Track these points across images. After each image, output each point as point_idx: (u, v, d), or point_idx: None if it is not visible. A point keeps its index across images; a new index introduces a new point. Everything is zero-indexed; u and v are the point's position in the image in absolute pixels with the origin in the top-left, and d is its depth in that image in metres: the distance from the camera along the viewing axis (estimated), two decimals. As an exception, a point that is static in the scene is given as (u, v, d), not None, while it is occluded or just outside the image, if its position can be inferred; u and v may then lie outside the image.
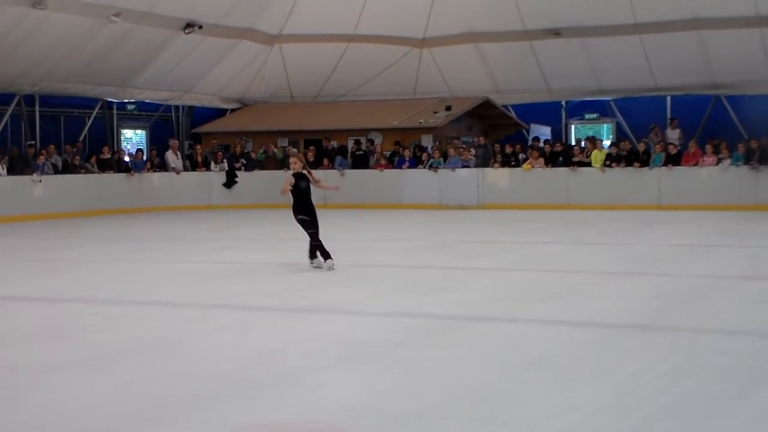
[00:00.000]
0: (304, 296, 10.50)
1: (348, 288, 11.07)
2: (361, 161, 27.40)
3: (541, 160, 25.76)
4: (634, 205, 24.20)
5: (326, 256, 12.74)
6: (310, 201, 13.11)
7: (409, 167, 26.61)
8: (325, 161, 27.41)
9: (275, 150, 28.29)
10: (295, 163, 13.14)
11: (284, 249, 15.92)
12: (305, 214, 12.97)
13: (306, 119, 29.68)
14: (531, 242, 16.48)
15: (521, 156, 26.40)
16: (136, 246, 16.83)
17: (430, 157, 26.72)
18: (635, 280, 11.66)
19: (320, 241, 12.82)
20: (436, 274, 12.28)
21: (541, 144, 27.31)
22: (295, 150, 27.86)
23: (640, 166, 24.74)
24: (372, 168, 27.12)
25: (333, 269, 12.55)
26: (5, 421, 5.80)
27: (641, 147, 25.35)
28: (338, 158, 27.41)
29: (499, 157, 26.35)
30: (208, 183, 27.57)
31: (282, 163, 27.79)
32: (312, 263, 12.94)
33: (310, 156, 27.56)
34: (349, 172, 27.04)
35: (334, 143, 28.35)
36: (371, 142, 28.02)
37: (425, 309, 9.45)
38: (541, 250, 15.23)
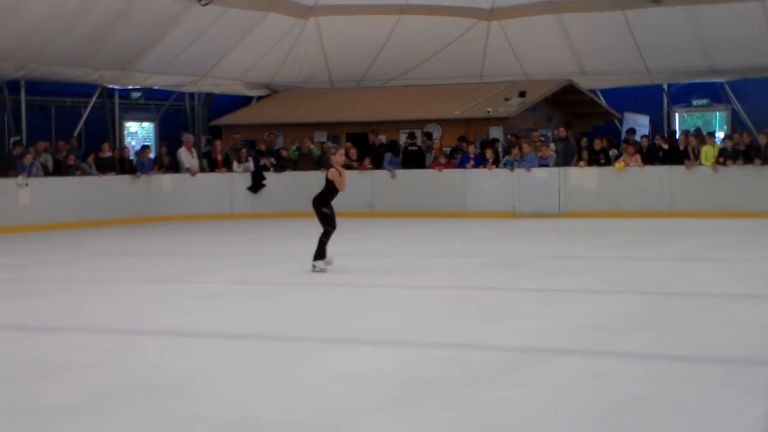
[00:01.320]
0: (345, 324, 10.48)
1: (398, 314, 11.04)
2: (415, 159, 27.38)
3: (638, 156, 25.59)
4: (754, 212, 23.93)
5: (322, 255, 14.77)
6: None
7: (474, 166, 26.55)
8: (367, 160, 27.30)
9: (311, 146, 28.39)
10: (341, 155, 15.48)
11: (339, 269, 15.93)
12: (329, 208, 15.10)
13: (348, 108, 29.75)
14: (625, 258, 16.34)
15: (612, 152, 26.23)
16: (141, 263, 16.94)
17: (498, 153, 26.62)
18: (758, 304, 11.51)
19: (325, 242, 14.92)
20: (507, 297, 12.22)
21: (638, 137, 27.11)
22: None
23: (761, 164, 24.47)
24: (429, 167, 27.09)
25: (323, 271, 14.61)
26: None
27: (762, 140, 25.07)
28: (388, 156, 27.43)
29: (585, 154, 26.22)
30: (229, 186, 27.73)
31: (319, 163, 27.87)
32: (315, 266, 14.76)
33: (353, 153, 27.59)
34: (400, 172, 27.05)
35: (383, 138, 28.38)
36: (428, 135, 28.00)
37: (493, 340, 9.39)
38: (637, 267, 15.09)
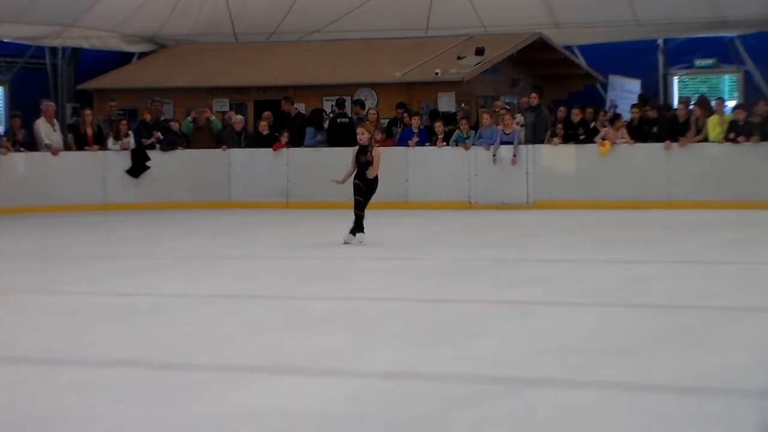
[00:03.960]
0: (256, 347, 10.47)
1: (324, 334, 11.05)
2: (343, 134, 27.20)
3: (623, 131, 25.73)
4: (772, 202, 24.19)
5: (358, 229, 18.51)
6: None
7: (419, 144, 26.57)
8: (284, 136, 27.12)
9: (211, 117, 28.22)
10: (362, 134, 18.99)
11: (223, 272, 15.94)
12: (361, 180, 18.61)
13: (257, 69, 29.65)
14: (609, 261, 16.48)
15: (594, 125, 26.34)
16: (-10, 269, 16.82)
17: (449, 127, 26.64)
18: (774, 320, 11.67)
19: (362, 212, 18.52)
20: (461, 312, 12.28)
21: (626, 107, 27.29)
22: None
23: (782, 140, 24.72)
24: (361, 145, 27.05)
25: (360, 243, 18.35)
26: None
27: (783, 111, 25.30)
28: (309, 131, 27.30)
29: (560, 128, 26.32)
30: (103, 169, 27.52)
31: (220, 138, 27.71)
32: (345, 239, 18.55)
33: (264, 127, 27.47)
34: (326, 150, 26.93)
35: (301, 107, 28.29)
36: (360, 104, 27.95)
37: (443, 366, 9.44)
38: (624, 273, 15.23)
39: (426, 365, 9.53)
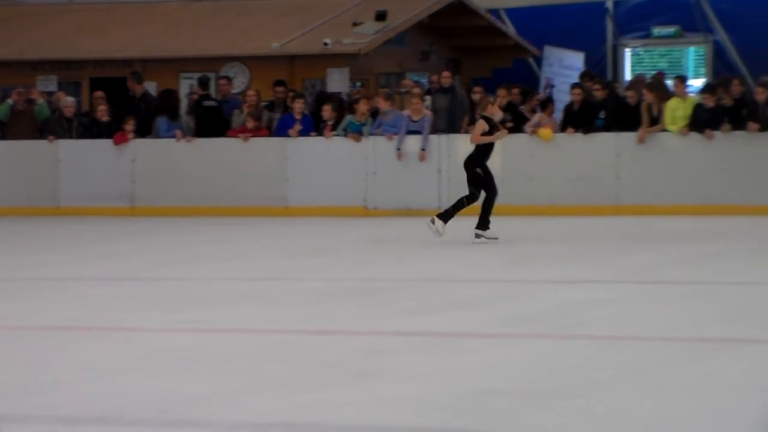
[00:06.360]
0: (92, 392, 10.36)
1: (182, 375, 10.98)
2: (211, 122, 27.09)
3: (549, 118, 25.86)
4: (751, 207, 24.30)
5: (447, 216, 20.64)
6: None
7: (302, 134, 26.53)
8: (129, 125, 26.95)
9: (37, 100, 28.00)
10: (495, 112, 22.06)
11: (47, 297, 15.80)
12: (483, 168, 20.77)
13: (94, 38, 29.55)
14: (542, 281, 16.61)
15: (522, 109, 26.42)
16: None
17: (337, 111, 26.64)
18: (757, 353, 11.71)
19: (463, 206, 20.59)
20: (357, 347, 12.28)
21: (564, 86, 27.45)
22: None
23: (760, 129, 24.86)
24: (229, 135, 26.92)
25: (439, 234, 20.37)
26: None
27: (761, 94, 25.41)
28: (160, 120, 27.07)
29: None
30: None
31: (47, 127, 27.46)
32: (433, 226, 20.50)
33: (103, 113, 27.27)
34: (184, 142, 26.80)
35: (152, 87, 28.18)
36: (227, 80, 27.81)
37: (335, 416, 9.41)
38: (563, 296, 15.33)
39: (313, 414, 9.48)
